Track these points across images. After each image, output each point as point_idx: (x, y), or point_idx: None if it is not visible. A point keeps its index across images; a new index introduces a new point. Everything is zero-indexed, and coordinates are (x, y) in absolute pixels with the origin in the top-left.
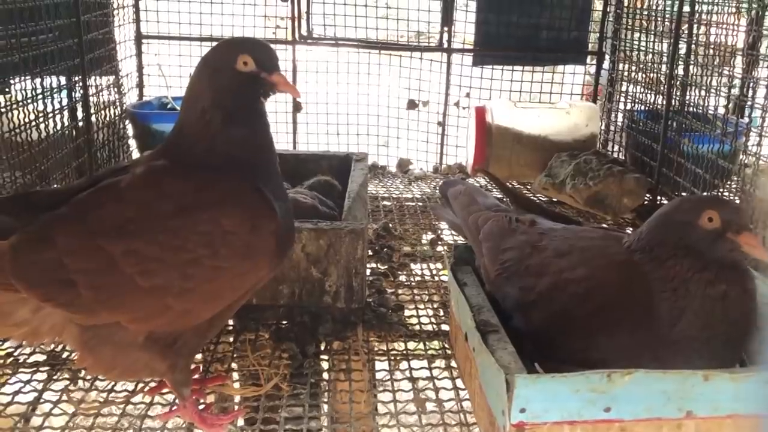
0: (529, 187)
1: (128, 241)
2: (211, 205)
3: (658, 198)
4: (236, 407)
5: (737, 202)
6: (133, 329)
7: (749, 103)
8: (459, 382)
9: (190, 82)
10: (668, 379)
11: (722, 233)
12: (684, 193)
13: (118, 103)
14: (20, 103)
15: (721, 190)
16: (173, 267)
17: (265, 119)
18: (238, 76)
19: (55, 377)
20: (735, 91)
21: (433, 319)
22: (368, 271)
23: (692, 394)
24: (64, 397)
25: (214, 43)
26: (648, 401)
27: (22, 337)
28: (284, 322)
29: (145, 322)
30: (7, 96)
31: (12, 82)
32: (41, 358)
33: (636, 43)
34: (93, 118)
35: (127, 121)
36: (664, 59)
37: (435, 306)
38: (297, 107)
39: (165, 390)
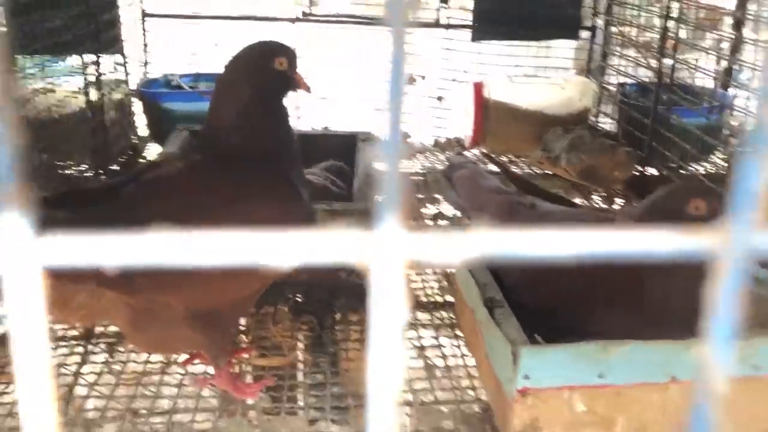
0: (524, 160)
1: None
2: (249, 197)
3: (647, 169)
4: (256, 377)
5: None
6: (181, 308)
7: (738, 65)
8: (465, 350)
9: (223, 79)
10: (656, 349)
11: (708, 220)
12: (671, 165)
13: (126, 83)
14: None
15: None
16: None
17: (287, 112)
18: (275, 74)
19: (93, 351)
20: (723, 64)
21: (438, 291)
22: None
23: (676, 361)
24: (105, 369)
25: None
26: (638, 368)
27: (79, 320)
28: (302, 296)
29: (192, 302)
30: (29, 81)
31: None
32: (77, 333)
33: (628, 17)
34: (105, 99)
35: (135, 100)
36: (656, 33)
37: (438, 278)
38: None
39: (196, 361)
